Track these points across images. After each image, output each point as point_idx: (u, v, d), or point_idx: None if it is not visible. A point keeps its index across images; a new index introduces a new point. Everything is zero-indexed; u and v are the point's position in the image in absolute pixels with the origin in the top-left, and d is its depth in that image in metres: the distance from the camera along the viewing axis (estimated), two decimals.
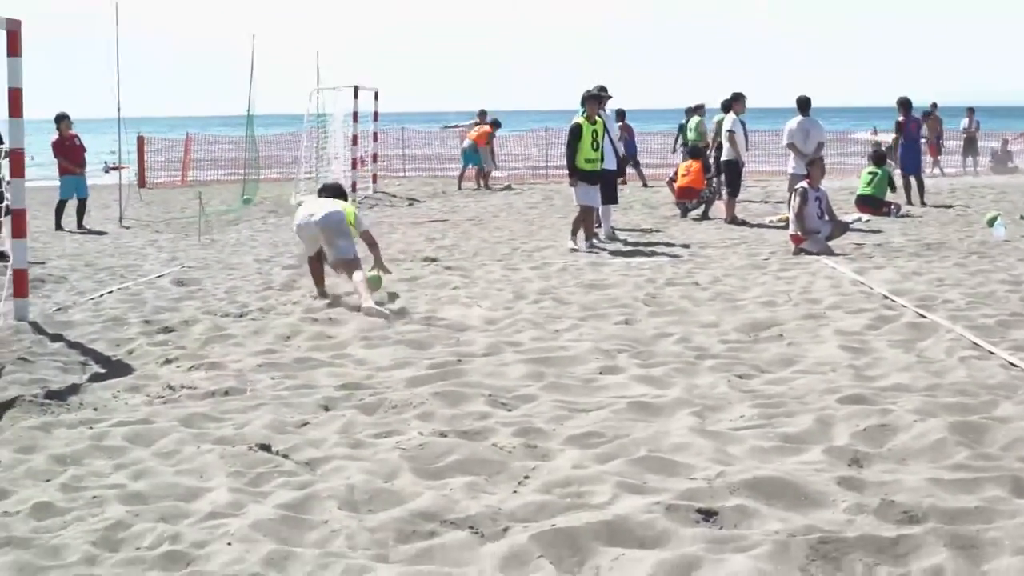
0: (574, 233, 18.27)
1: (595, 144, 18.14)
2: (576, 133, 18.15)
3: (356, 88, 30.78)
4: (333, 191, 14.00)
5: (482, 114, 35.54)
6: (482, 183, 33.38)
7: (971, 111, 40.77)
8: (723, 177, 22.89)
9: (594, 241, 18.42)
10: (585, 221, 18.27)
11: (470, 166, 33.74)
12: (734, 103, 22.75)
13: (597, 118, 18.30)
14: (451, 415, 7.87)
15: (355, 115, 30.85)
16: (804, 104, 22.19)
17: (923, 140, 31.04)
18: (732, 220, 21.92)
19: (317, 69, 32.97)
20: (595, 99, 18.40)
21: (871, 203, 23.64)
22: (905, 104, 27.16)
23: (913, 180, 26.49)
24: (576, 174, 18.23)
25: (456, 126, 49.02)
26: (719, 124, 24.20)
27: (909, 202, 25.61)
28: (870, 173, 24.32)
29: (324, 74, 33.06)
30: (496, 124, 35.05)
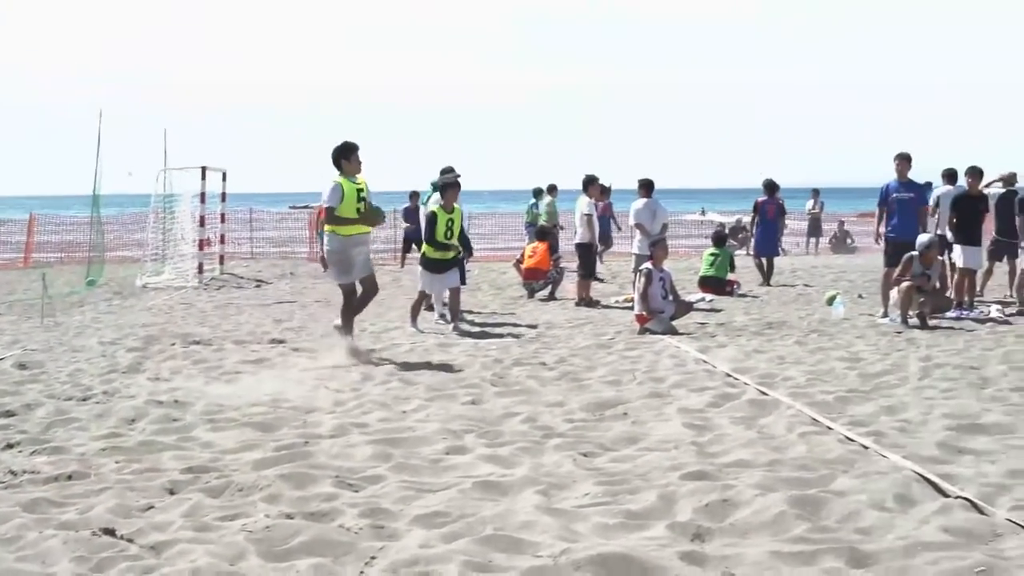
0: (414, 317, 18.28)
1: (448, 233, 17.99)
2: (432, 221, 18.08)
3: (204, 169, 30.65)
4: None
5: None
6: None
7: (816, 192, 41.89)
8: (578, 259, 23.12)
9: (446, 320, 18.46)
10: (452, 301, 18.22)
11: None
12: (589, 186, 22.94)
13: (456, 206, 18.22)
14: (298, 497, 7.84)
15: (202, 196, 30.68)
16: (648, 186, 22.65)
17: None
18: (585, 301, 22.05)
19: (165, 149, 32.78)
20: (455, 188, 18.28)
21: (713, 283, 24.06)
22: (767, 186, 27.70)
23: (765, 261, 27.03)
24: (423, 260, 18.23)
25: (306, 206, 48.78)
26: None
27: (767, 282, 26.15)
28: (712, 254, 24.79)
29: (172, 154, 32.87)
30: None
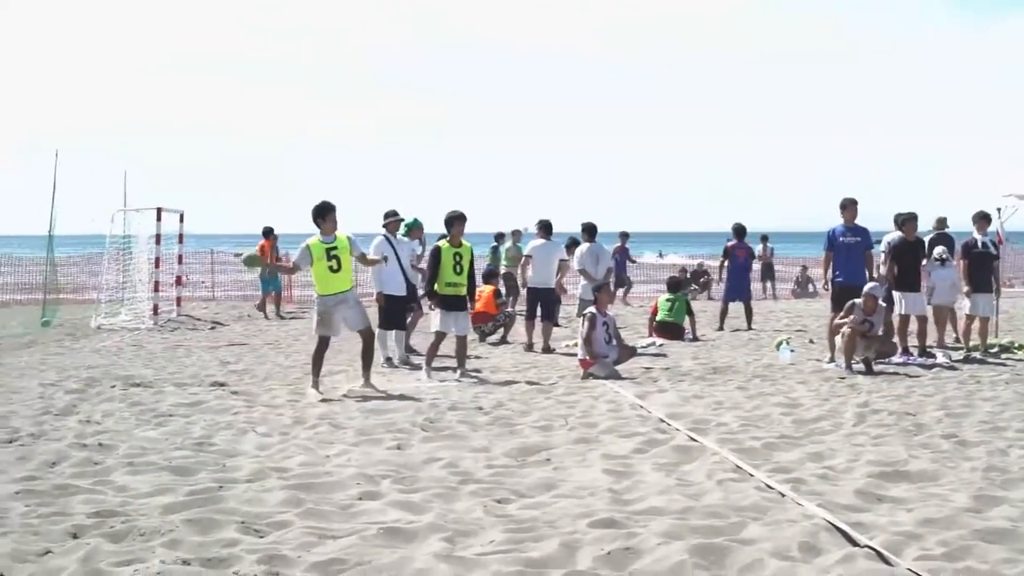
0: (428, 362, 17.88)
1: (458, 268, 17.48)
2: (436, 256, 17.56)
3: (159, 210, 30.59)
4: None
5: (267, 232, 33.08)
6: (274, 309, 32.22)
7: (765, 238, 42.09)
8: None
9: (392, 364, 18.52)
10: (434, 346, 17.88)
11: (270, 291, 32.39)
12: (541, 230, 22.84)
13: (464, 242, 17.65)
14: (199, 542, 7.74)
15: (158, 237, 30.63)
16: (590, 230, 22.59)
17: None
18: (538, 346, 21.91)
19: (124, 190, 32.67)
20: (461, 220, 17.68)
21: (670, 329, 24.01)
22: (737, 230, 27.57)
23: (738, 306, 26.91)
24: (435, 298, 17.68)
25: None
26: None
27: (721, 328, 26.05)
28: (668, 300, 24.69)
29: (132, 195, 32.69)
30: (266, 233, 32.69)
